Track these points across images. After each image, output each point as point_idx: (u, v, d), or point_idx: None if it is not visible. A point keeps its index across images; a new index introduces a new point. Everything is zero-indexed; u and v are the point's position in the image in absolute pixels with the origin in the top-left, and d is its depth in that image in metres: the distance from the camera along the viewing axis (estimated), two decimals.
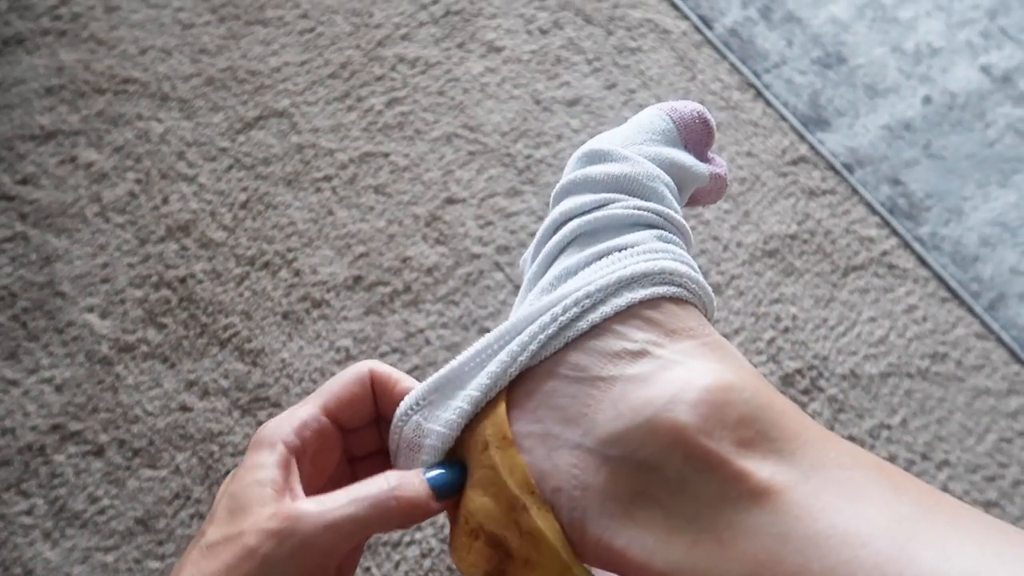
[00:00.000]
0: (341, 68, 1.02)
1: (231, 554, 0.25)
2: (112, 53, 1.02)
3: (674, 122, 0.31)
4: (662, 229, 0.29)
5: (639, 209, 0.29)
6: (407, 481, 0.27)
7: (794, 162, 0.97)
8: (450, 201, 0.94)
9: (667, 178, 0.30)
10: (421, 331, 0.87)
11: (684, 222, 0.30)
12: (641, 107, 0.99)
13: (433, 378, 0.28)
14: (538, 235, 0.31)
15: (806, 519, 0.22)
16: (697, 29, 1.03)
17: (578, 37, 1.03)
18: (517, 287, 0.88)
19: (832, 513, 0.22)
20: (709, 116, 0.31)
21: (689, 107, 0.31)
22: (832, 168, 0.97)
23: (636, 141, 0.30)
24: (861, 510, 0.22)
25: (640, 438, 0.24)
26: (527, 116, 0.98)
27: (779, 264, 0.92)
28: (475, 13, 1.05)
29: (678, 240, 0.30)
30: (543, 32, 1.04)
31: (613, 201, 0.29)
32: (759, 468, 0.23)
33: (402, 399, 0.29)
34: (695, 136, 0.31)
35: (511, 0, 1.06)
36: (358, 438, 0.31)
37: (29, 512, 0.81)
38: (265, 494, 0.26)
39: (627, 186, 0.29)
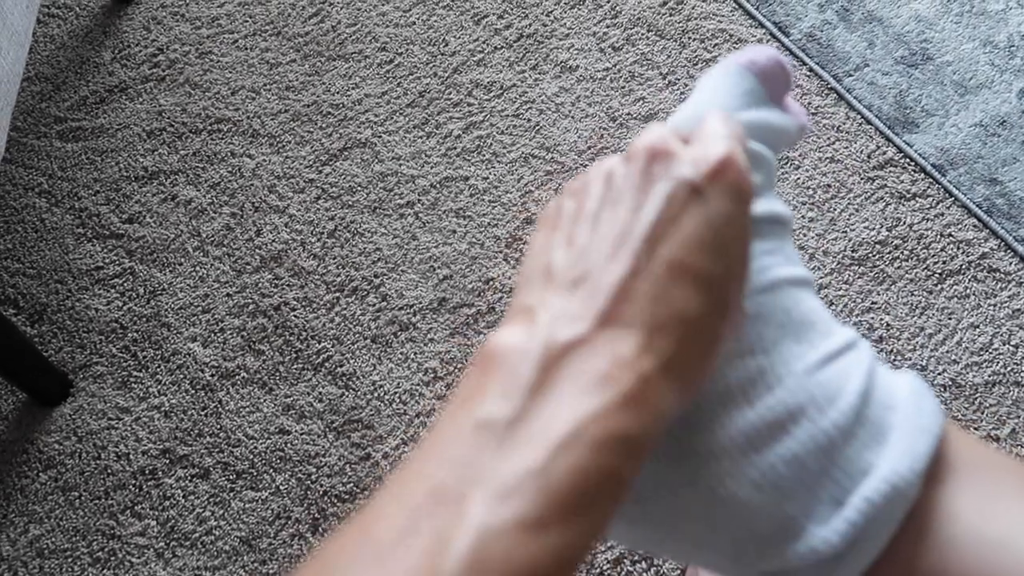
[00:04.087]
0: (419, 96, 1.04)
1: None
2: (206, 95, 1.08)
3: (756, 76, 0.30)
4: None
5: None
6: None
7: (881, 166, 0.94)
8: (529, 221, 0.95)
9: (768, 154, 0.29)
10: None
11: (785, 210, 0.29)
12: None
13: None
14: None
15: (942, 521, 0.22)
16: (773, 36, 1.02)
17: (651, 52, 1.03)
18: None
19: (970, 515, 0.22)
20: (784, 60, 0.31)
21: (765, 54, 0.30)
22: (923, 170, 0.94)
23: (729, 109, 0.29)
24: (1000, 513, 0.22)
25: None
26: (603, 133, 0.99)
27: (869, 272, 0.89)
28: (547, 35, 1.06)
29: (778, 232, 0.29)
30: (616, 49, 1.04)
31: None
32: None
33: None
34: (777, 86, 0.30)
35: (583, 20, 1.07)
36: None
37: (143, 533, 0.85)
38: None
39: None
